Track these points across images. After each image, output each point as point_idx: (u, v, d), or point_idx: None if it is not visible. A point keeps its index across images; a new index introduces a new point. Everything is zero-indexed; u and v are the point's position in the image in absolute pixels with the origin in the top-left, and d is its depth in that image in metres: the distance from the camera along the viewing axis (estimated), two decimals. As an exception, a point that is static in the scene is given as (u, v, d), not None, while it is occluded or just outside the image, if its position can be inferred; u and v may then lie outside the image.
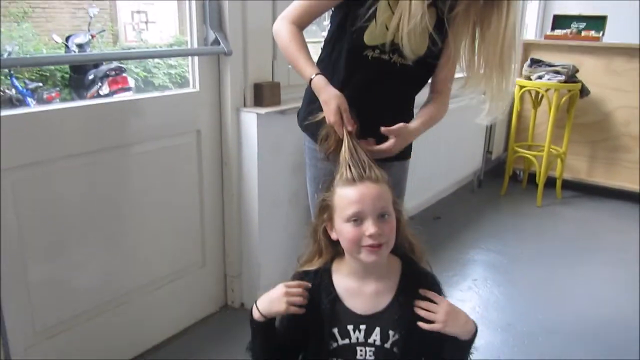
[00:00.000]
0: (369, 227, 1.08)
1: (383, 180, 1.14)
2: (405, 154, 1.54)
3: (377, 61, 1.42)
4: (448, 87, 1.56)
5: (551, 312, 2.35)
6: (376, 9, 1.37)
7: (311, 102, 1.51)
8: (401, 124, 1.38)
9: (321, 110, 1.40)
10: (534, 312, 2.34)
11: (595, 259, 2.94)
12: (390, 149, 1.37)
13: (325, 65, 1.50)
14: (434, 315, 1.13)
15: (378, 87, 1.45)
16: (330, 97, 1.33)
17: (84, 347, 1.77)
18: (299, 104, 2.08)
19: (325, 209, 1.17)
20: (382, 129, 1.36)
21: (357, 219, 1.09)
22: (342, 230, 1.12)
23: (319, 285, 1.19)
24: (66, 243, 1.68)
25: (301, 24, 1.48)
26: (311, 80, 1.39)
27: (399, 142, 1.38)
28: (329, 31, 1.52)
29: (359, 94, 1.43)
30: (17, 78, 4.70)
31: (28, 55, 5.09)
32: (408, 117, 1.53)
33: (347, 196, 1.11)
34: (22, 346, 1.61)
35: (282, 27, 1.46)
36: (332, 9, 1.50)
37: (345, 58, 1.45)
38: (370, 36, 1.39)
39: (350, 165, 1.15)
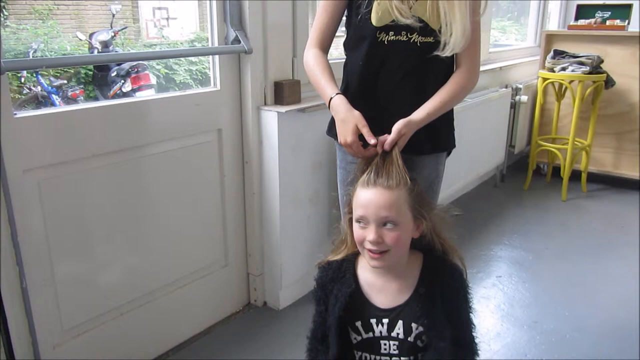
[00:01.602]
0: (370, 233, 1.10)
1: (400, 187, 1.12)
2: (438, 144, 1.50)
3: (395, 44, 1.39)
4: (469, 56, 1.43)
5: (578, 309, 2.31)
6: None
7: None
8: (403, 120, 1.30)
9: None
10: (561, 309, 2.31)
11: (622, 253, 2.89)
12: (392, 140, 1.25)
13: (348, 70, 1.49)
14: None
15: (403, 74, 1.41)
16: (349, 116, 1.32)
17: (110, 345, 1.80)
18: (319, 102, 2.09)
19: (349, 202, 1.20)
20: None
21: (361, 222, 1.12)
22: (354, 228, 1.16)
23: (341, 279, 1.20)
24: (91, 242, 1.70)
25: (322, 44, 1.50)
26: (331, 99, 1.38)
27: (398, 131, 1.27)
28: (345, 38, 1.52)
29: (383, 86, 1.42)
30: (42, 75, 4.77)
31: (54, 54, 5.18)
32: None
33: (358, 197, 1.14)
34: (50, 345, 1.64)
35: (306, 55, 1.50)
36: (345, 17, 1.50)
37: (364, 52, 1.42)
38: (377, 16, 1.37)
39: (371, 169, 1.16)
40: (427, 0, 1.34)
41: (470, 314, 1.22)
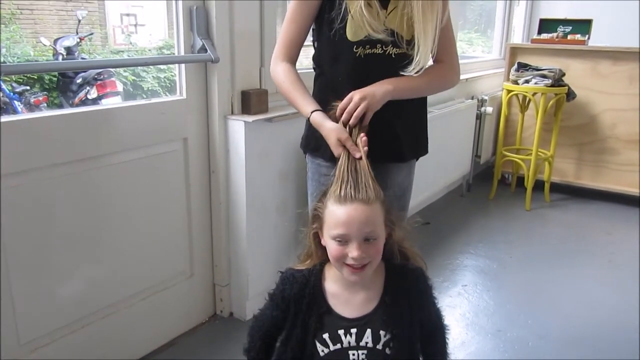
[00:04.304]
0: (353, 250, 1.08)
1: (376, 200, 1.11)
2: (417, 151, 1.52)
3: (371, 58, 1.40)
4: (449, 56, 1.50)
5: (541, 317, 2.36)
6: (346, 3, 1.37)
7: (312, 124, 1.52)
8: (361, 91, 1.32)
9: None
10: (524, 317, 2.35)
11: (584, 261, 2.96)
12: (358, 101, 1.29)
13: (324, 85, 1.49)
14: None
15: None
16: (329, 132, 1.32)
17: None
18: (287, 112, 2.09)
19: (317, 218, 1.17)
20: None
21: (342, 240, 1.09)
22: (328, 245, 1.13)
23: (312, 296, 1.18)
24: (52, 253, 1.66)
25: (290, 56, 1.49)
26: (309, 117, 1.39)
27: (366, 98, 1.30)
28: (314, 52, 1.52)
29: None
30: (4, 81, 4.64)
31: (17, 59, 5.05)
32: (422, 110, 1.53)
33: (335, 215, 1.10)
34: (6, 360, 1.59)
35: (274, 70, 1.49)
36: (312, 30, 1.50)
37: (343, 67, 1.43)
38: (352, 31, 1.38)
39: (343, 183, 1.13)
40: (398, 12, 1.37)
41: (439, 312, 1.25)
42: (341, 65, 1.44)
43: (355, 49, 1.40)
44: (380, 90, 1.34)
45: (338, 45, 1.42)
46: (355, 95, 1.31)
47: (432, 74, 1.45)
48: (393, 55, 1.40)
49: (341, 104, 1.31)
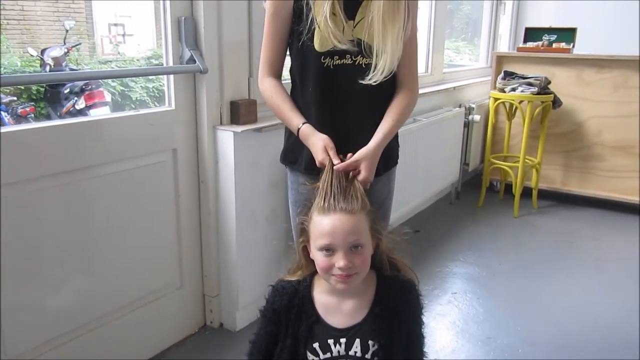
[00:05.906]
0: (339, 260, 1.10)
1: (361, 210, 1.14)
2: (390, 162, 1.54)
3: (341, 68, 1.41)
4: (409, 75, 1.49)
5: (531, 324, 2.37)
6: (313, 15, 1.38)
7: (291, 135, 1.52)
8: (359, 153, 1.33)
9: (299, 142, 1.44)
10: (514, 324, 2.36)
11: (572, 267, 2.98)
12: (366, 178, 1.30)
13: (297, 96, 1.50)
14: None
15: (352, 96, 1.43)
16: (317, 140, 1.36)
17: (59, 373, 1.73)
18: (276, 122, 2.10)
19: (303, 231, 1.19)
20: (339, 166, 1.29)
21: (328, 250, 1.11)
22: (315, 257, 1.15)
23: (301, 306, 1.20)
24: (39, 265, 1.64)
25: (274, 71, 1.51)
26: (299, 130, 1.42)
27: (368, 166, 1.32)
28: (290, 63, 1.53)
29: (336, 109, 1.44)
30: (-10, 92, 4.61)
31: (4, 70, 5.02)
32: None
33: (319, 226, 1.12)
34: (-7, 374, 1.57)
35: (262, 86, 1.51)
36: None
37: (312, 78, 1.43)
38: (319, 42, 1.39)
39: (326, 194, 1.15)
40: (365, 22, 1.37)
41: (423, 328, 1.25)
42: (310, 76, 1.44)
43: (323, 59, 1.41)
44: (375, 160, 1.36)
45: (306, 56, 1.43)
46: (364, 170, 1.30)
47: (401, 109, 1.46)
48: (363, 65, 1.41)
49: (350, 162, 1.30)
